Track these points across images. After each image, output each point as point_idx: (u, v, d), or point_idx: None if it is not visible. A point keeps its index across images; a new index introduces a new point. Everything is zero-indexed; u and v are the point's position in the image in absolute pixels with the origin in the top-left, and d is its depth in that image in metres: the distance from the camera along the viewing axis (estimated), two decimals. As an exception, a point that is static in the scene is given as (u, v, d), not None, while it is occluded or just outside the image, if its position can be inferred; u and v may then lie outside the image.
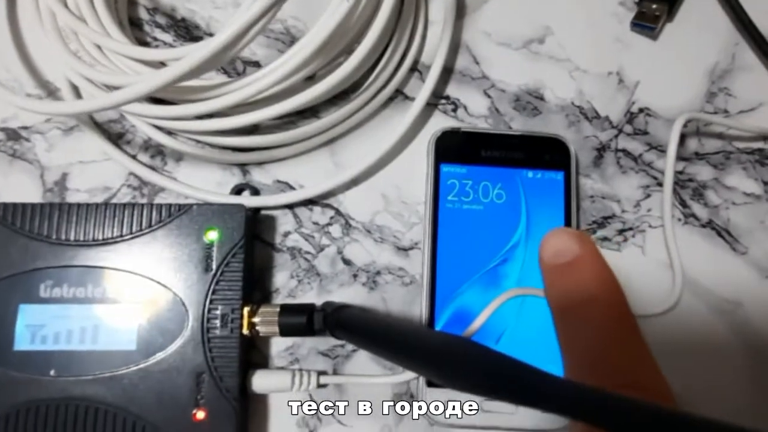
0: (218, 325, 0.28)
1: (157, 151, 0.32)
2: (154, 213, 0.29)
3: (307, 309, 0.28)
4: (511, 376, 0.15)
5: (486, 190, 0.31)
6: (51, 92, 0.33)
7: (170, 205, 0.29)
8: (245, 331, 0.28)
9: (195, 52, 0.25)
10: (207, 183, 0.32)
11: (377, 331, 0.22)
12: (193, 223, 0.29)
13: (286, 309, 0.28)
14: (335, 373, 0.30)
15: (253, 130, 0.32)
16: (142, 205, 0.29)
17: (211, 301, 0.28)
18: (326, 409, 0.29)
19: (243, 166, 0.32)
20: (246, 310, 0.28)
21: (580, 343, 0.17)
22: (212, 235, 0.29)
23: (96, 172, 0.32)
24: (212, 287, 0.28)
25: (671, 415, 0.12)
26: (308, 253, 0.31)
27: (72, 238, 0.28)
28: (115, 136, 0.32)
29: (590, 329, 0.17)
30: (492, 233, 0.30)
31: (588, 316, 0.17)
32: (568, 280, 0.18)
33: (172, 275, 0.28)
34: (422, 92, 0.32)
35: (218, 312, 0.28)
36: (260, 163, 0.32)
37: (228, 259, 0.28)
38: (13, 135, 0.32)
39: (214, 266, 0.28)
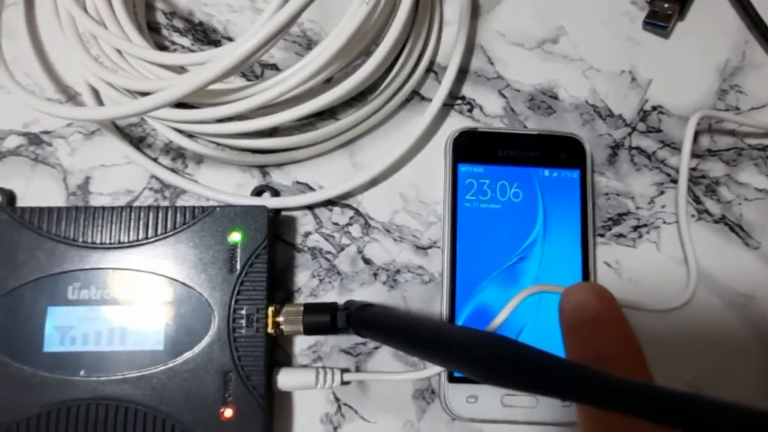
0: (244, 324, 0.28)
1: (178, 154, 0.33)
2: (177, 215, 0.29)
3: (330, 308, 0.29)
4: (550, 370, 0.15)
5: (503, 188, 0.31)
6: (71, 97, 0.33)
7: (194, 208, 0.29)
8: (270, 330, 0.28)
9: (222, 59, 0.25)
10: (227, 185, 0.32)
11: (404, 328, 0.22)
12: (217, 225, 0.29)
13: (309, 308, 0.29)
14: (358, 370, 0.30)
15: (272, 132, 0.32)
16: (166, 207, 0.29)
17: (236, 302, 0.28)
18: (349, 407, 0.30)
19: (263, 168, 0.33)
20: (270, 309, 0.29)
21: None
22: (236, 237, 0.29)
23: (118, 175, 0.32)
24: (237, 288, 0.29)
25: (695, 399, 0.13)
26: (329, 252, 0.32)
27: (98, 241, 0.29)
28: (136, 139, 0.33)
29: None
30: (509, 231, 0.31)
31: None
32: (588, 337, 0.18)
33: (196, 276, 0.29)
34: (439, 93, 0.32)
35: (243, 312, 0.28)
36: (279, 165, 0.33)
37: (252, 259, 0.29)
38: (35, 140, 0.33)
39: (238, 267, 0.29)
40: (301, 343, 0.31)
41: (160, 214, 0.29)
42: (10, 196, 0.32)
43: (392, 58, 0.32)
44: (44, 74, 0.34)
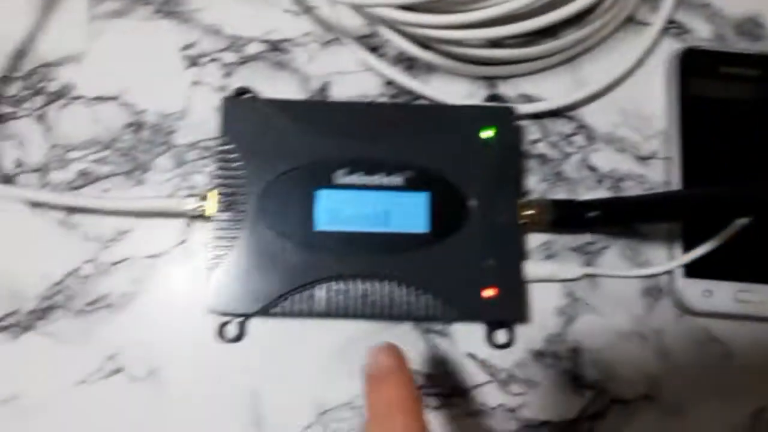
0: (500, 212, 0.30)
1: (409, 64, 0.35)
2: (430, 112, 0.31)
3: (577, 203, 0.31)
4: None
5: (726, 104, 0.33)
6: (307, 9, 0.35)
7: (445, 105, 0.31)
8: (520, 221, 0.30)
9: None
10: (457, 95, 0.34)
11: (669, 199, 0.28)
12: (469, 122, 0.31)
13: (557, 203, 0.31)
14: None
15: (497, 44, 0.34)
16: (421, 105, 0.31)
17: (493, 193, 0.30)
18: (581, 301, 0.32)
19: (489, 80, 0.34)
20: (519, 202, 0.31)
21: None
22: (487, 134, 0.31)
23: (354, 82, 0.34)
24: (493, 180, 0.30)
25: None
26: (555, 159, 0.33)
27: (363, 132, 0.31)
28: (369, 50, 0.35)
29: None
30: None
31: (387, 419, 0.20)
32: (376, 392, 0.21)
33: (452, 168, 0.31)
34: (658, 17, 0.34)
35: (499, 202, 0.30)
36: (505, 78, 0.34)
37: (504, 154, 0.31)
38: (275, 47, 0.35)
39: (491, 161, 0.31)
40: (534, 241, 0.32)
41: (416, 111, 0.31)
42: (254, 96, 0.34)
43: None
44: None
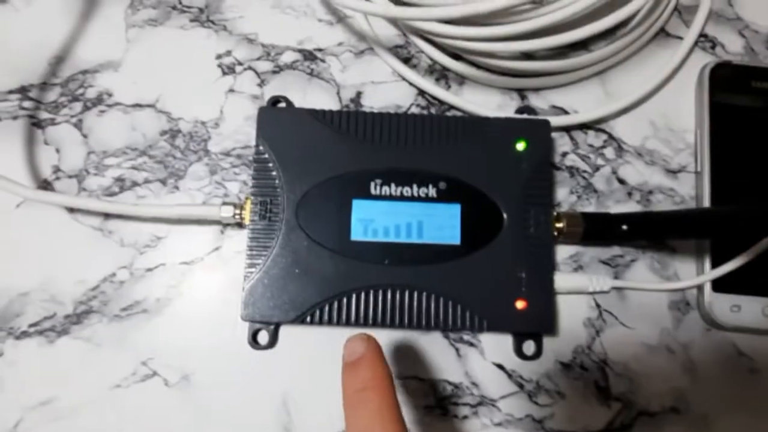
0: (531, 225, 0.30)
1: (441, 75, 0.35)
2: (465, 124, 0.32)
3: (608, 217, 0.31)
4: None
5: (757, 119, 0.33)
6: (340, 19, 0.36)
7: (480, 117, 0.32)
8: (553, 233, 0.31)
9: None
10: (489, 106, 0.34)
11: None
12: (503, 134, 0.31)
13: (588, 216, 0.31)
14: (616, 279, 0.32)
15: (529, 56, 0.35)
16: (457, 117, 0.31)
17: (524, 205, 0.31)
18: (609, 313, 0.32)
19: (520, 92, 0.35)
20: (552, 215, 0.31)
21: (354, 420, 0.22)
22: (521, 146, 0.31)
23: (387, 91, 0.35)
24: (525, 192, 0.31)
25: None
26: (585, 171, 0.34)
27: (395, 143, 0.31)
28: (402, 60, 0.35)
29: (362, 411, 0.22)
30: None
31: (361, 400, 0.22)
32: (353, 375, 0.23)
33: (485, 180, 0.31)
34: (691, 31, 0.35)
35: (531, 215, 0.31)
36: (536, 89, 0.35)
37: (537, 167, 0.31)
38: (310, 56, 0.35)
39: (524, 174, 0.31)
40: (563, 252, 0.33)
41: (450, 122, 0.31)
42: (289, 105, 0.34)
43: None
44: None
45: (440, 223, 0.30)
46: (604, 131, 0.34)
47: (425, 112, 0.34)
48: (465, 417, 0.31)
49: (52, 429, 0.30)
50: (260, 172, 0.31)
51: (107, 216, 0.32)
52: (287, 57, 0.35)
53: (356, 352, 0.24)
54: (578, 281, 0.31)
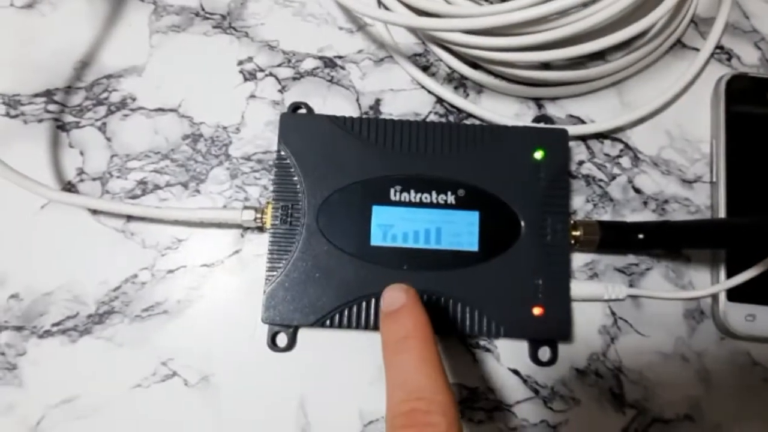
0: (549, 233, 0.31)
1: (459, 83, 0.35)
2: (485, 132, 0.32)
3: (624, 226, 0.31)
4: None
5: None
6: (360, 27, 0.36)
7: (499, 126, 0.32)
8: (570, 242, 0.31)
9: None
10: (506, 114, 0.35)
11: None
12: (521, 143, 0.32)
13: (604, 225, 0.31)
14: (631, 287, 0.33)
15: (546, 66, 0.35)
16: (476, 125, 0.32)
17: (542, 213, 0.31)
18: (624, 321, 0.32)
19: (537, 101, 0.35)
20: (569, 223, 0.31)
21: (395, 367, 0.22)
22: (539, 155, 0.32)
23: (406, 99, 0.35)
24: (542, 200, 0.31)
25: None
26: (601, 180, 0.34)
27: (415, 150, 0.31)
28: (421, 69, 0.35)
29: (404, 358, 0.22)
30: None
31: (403, 348, 0.22)
32: (393, 323, 0.23)
33: (503, 187, 0.31)
34: (707, 43, 0.35)
35: (548, 223, 0.31)
36: (553, 99, 0.35)
37: (554, 176, 0.31)
38: (330, 63, 0.35)
39: (542, 182, 0.31)
40: (578, 260, 0.33)
41: (469, 130, 0.32)
42: (310, 111, 0.34)
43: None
44: (334, 4, 0.36)
45: (458, 230, 0.31)
46: (620, 141, 0.35)
47: (443, 119, 0.35)
48: (480, 422, 0.31)
49: (73, 427, 0.30)
50: (281, 177, 0.31)
51: (129, 218, 0.33)
52: (308, 64, 0.35)
53: (396, 301, 0.24)
54: (594, 289, 0.31)
